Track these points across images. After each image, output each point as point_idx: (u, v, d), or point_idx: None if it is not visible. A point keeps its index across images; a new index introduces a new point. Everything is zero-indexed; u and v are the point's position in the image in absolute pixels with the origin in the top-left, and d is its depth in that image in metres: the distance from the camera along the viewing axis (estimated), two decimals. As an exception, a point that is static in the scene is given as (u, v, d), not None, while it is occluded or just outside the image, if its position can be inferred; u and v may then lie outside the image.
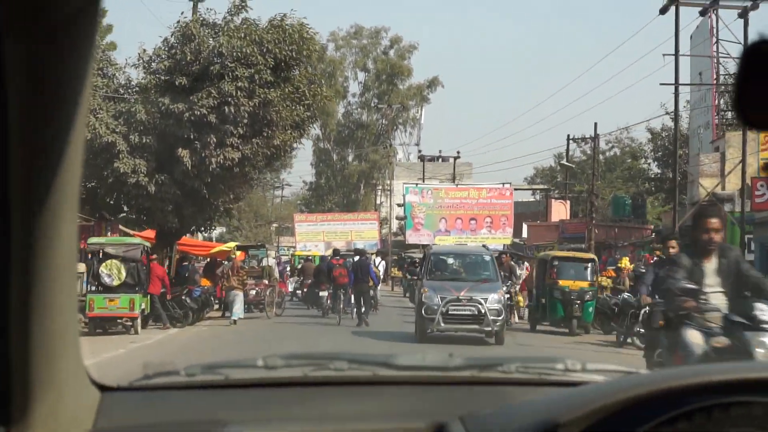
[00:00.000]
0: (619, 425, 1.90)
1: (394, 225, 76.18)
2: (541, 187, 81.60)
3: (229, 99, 28.21)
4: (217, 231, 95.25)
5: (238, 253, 37.34)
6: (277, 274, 39.04)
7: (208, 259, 39.18)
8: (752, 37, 1.30)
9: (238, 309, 30.82)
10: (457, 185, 64.45)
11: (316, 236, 72.29)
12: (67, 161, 1.78)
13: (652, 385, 1.97)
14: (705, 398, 1.92)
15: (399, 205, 75.74)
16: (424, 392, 2.71)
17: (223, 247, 38.94)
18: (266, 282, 35.20)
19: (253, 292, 34.36)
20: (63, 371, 2.14)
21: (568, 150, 70.63)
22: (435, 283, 24.42)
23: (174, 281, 30.83)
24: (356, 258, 32.45)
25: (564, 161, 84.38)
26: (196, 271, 32.71)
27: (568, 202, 65.61)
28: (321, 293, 34.14)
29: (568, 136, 70.19)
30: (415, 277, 38.90)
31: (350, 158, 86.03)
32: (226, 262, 33.90)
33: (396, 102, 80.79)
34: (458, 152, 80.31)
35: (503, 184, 64.25)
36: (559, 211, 63.19)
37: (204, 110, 28.00)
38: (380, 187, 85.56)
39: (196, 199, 30.47)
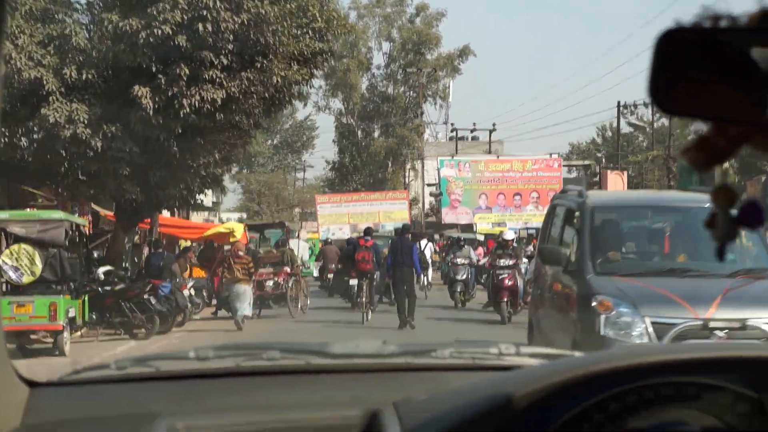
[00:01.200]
0: (553, 408, 1.86)
1: (427, 203, 66.71)
2: (580, 162, 72.49)
3: (205, 12, 19.03)
4: (235, 214, 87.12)
5: (239, 234, 28.31)
6: (301, 261, 30.95)
7: (202, 245, 30.13)
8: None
9: (242, 307, 22.97)
10: (498, 157, 55.02)
11: (341, 218, 63.52)
12: None
13: (586, 368, 1.93)
14: (636, 380, 1.89)
15: (429, 185, 66.60)
16: (358, 380, 2.67)
17: (220, 228, 29.76)
18: (288, 270, 26.67)
19: (271, 283, 26.35)
20: None
21: (619, 117, 61.10)
22: (627, 284, 10.35)
23: (142, 274, 21.90)
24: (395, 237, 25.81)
25: (608, 132, 75.10)
26: (173, 260, 23.59)
27: (625, 172, 56.15)
28: (351, 281, 27.29)
29: (618, 102, 60.69)
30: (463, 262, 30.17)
31: (376, 134, 76.63)
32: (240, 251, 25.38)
33: (420, 84, 71.44)
34: (494, 124, 70.96)
35: (550, 154, 54.86)
36: (616, 183, 53.77)
37: (169, 28, 18.86)
38: (409, 165, 76.21)
39: (162, 158, 21.20)
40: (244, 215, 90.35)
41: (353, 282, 26.52)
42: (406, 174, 75.99)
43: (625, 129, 76.41)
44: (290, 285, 26.53)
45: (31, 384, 2.45)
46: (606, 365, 1.92)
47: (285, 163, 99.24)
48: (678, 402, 1.91)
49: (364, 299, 23.98)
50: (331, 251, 35.32)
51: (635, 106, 62.53)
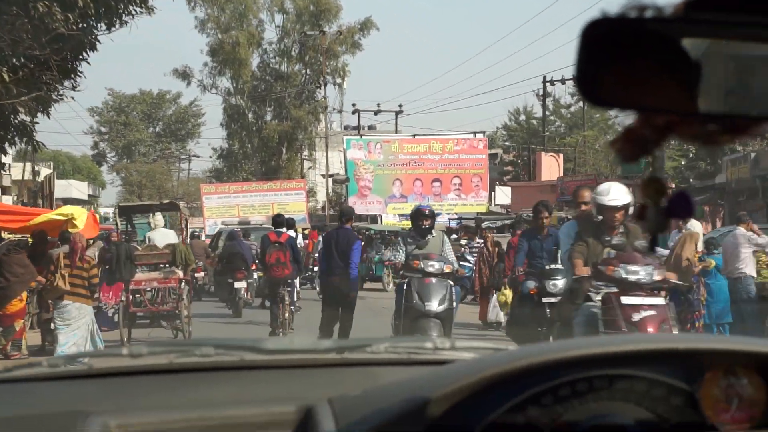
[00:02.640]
0: (487, 401, 1.86)
1: (330, 191, 57.49)
2: (493, 151, 64.34)
3: None
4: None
5: (81, 223, 18.93)
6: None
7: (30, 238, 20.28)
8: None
9: (67, 340, 14.19)
10: (414, 136, 46.10)
11: (229, 211, 54.60)
12: None
13: (519, 360, 1.91)
14: (570, 372, 1.89)
15: (328, 176, 57.47)
16: (292, 376, 2.61)
17: (52, 214, 19.90)
18: (180, 274, 18.48)
19: (151, 295, 18.24)
20: None
21: (545, 94, 52.81)
22: None
23: None
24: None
25: (521, 116, 67.12)
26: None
27: (561, 155, 47.82)
28: (236, 284, 22.65)
29: (545, 77, 52.57)
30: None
31: (268, 117, 67.07)
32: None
33: (322, 49, 61.93)
34: (400, 106, 62.01)
35: (474, 133, 46.21)
36: (551, 167, 45.44)
37: None
38: (306, 152, 66.86)
39: None
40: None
41: (239, 284, 22.29)
42: (303, 161, 66.60)
43: (539, 112, 68.56)
44: (184, 297, 18.09)
45: None
46: (538, 358, 1.89)
47: (168, 153, 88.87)
48: (611, 394, 1.91)
49: (280, 317, 17.42)
50: (198, 247, 27.09)
51: (551, 82, 54.33)
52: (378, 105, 61.74)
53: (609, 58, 1.23)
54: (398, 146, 44.89)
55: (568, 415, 1.89)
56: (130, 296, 17.70)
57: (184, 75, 66.13)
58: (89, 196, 77.01)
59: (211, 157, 76.41)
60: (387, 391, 2.09)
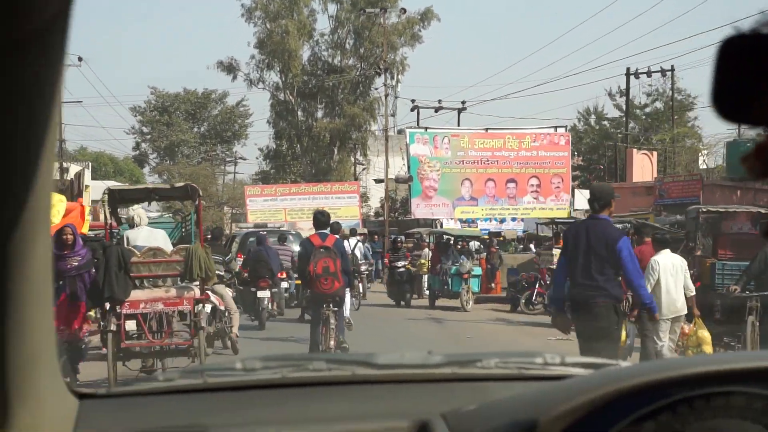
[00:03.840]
0: (602, 419, 1.85)
1: (392, 189, 51.31)
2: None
3: None
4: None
5: (58, 215, 13.32)
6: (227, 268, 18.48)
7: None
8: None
9: None
10: (486, 129, 39.82)
11: (276, 215, 49.60)
12: (39, 173, 1.64)
13: (634, 378, 1.90)
14: (686, 390, 1.87)
15: (377, 181, 51.51)
16: (404, 391, 2.57)
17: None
18: (196, 293, 12.88)
19: (157, 321, 12.84)
20: (40, 381, 2.01)
21: (628, 88, 46.38)
22: None
23: None
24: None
25: (592, 116, 60.85)
26: None
27: (655, 153, 41.30)
28: (260, 293, 20.07)
29: (628, 69, 46.10)
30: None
31: (319, 114, 61.12)
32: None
33: (378, 42, 55.72)
34: (463, 102, 55.74)
35: (555, 128, 39.93)
36: (643, 166, 38.96)
37: None
38: (360, 152, 60.71)
39: None
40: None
41: (262, 294, 19.93)
42: (356, 163, 60.48)
43: (612, 112, 62.10)
44: (203, 324, 12.73)
45: (81, 396, 2.39)
46: (656, 375, 1.90)
47: (213, 155, 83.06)
48: (728, 411, 1.89)
49: (323, 345, 13.57)
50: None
51: (636, 75, 47.75)
52: (439, 102, 55.49)
53: (743, 75, 1.22)
54: (468, 141, 38.68)
55: None
56: (124, 324, 12.00)
57: (230, 68, 60.45)
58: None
59: (257, 158, 70.55)
60: (501, 406, 2.09)
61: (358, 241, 29.97)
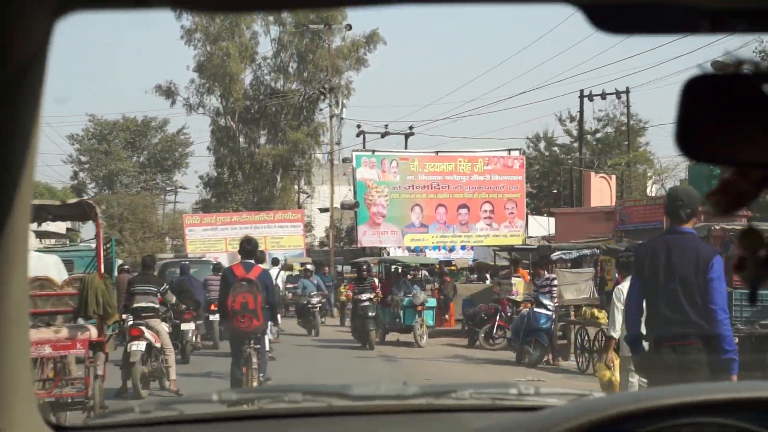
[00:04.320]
0: None
1: (337, 218, 48.91)
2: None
3: None
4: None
5: None
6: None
7: None
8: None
9: None
10: (437, 153, 37.54)
11: (216, 245, 47.33)
12: (17, 204, 1.66)
13: (607, 409, 1.91)
14: (658, 421, 1.88)
15: (322, 210, 49.18)
16: (379, 422, 2.57)
17: None
18: (93, 333, 10.54)
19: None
20: (15, 413, 1.95)
21: (582, 109, 44.40)
22: None
23: None
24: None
25: (541, 143, 59.17)
26: None
27: (613, 177, 39.26)
28: (183, 326, 17.79)
29: (581, 91, 44.10)
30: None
31: (262, 140, 58.57)
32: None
33: (323, 66, 53.34)
34: (411, 127, 53.42)
35: (509, 150, 37.83)
36: (601, 191, 36.90)
37: None
38: (304, 179, 58.21)
39: None
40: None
41: (186, 327, 17.76)
42: (300, 191, 57.97)
43: (561, 138, 60.22)
44: (98, 371, 10.43)
45: (57, 428, 2.36)
46: (628, 406, 1.90)
47: (153, 184, 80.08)
48: None
49: (254, 383, 11.89)
50: (124, 282, 19.58)
51: (590, 97, 45.82)
52: (386, 126, 53.12)
53: (707, 114, 1.23)
54: (418, 165, 36.37)
55: None
56: None
57: (168, 92, 57.80)
58: (68, 230, 68.14)
59: (197, 186, 67.71)
60: None
61: (281, 270, 28.58)
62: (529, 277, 26.64)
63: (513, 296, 23.17)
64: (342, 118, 47.07)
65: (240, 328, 11.81)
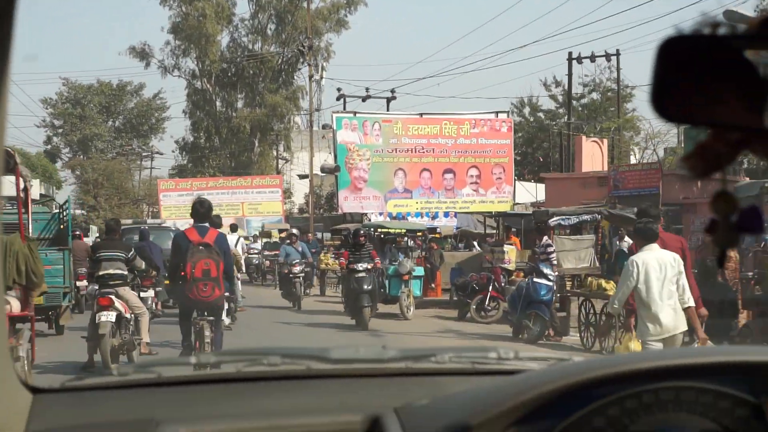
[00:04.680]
0: (555, 413, 1.85)
1: (317, 184, 47.07)
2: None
3: None
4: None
5: None
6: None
7: None
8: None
9: None
10: (421, 115, 35.71)
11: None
12: None
13: (584, 373, 1.90)
14: (636, 384, 1.88)
15: (301, 177, 47.41)
16: (358, 385, 2.57)
17: None
18: (16, 307, 9.13)
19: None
20: None
21: (570, 72, 42.61)
22: None
23: None
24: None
25: (526, 108, 57.48)
26: None
27: (605, 141, 37.52)
28: (142, 294, 15.16)
29: (570, 53, 42.26)
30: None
31: (239, 104, 56.52)
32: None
33: (302, 27, 51.30)
34: (392, 91, 51.50)
35: (496, 113, 36.08)
36: (593, 156, 35.17)
37: None
38: (283, 144, 56.30)
39: None
40: (78, 210, 69.17)
41: (145, 294, 15.30)
42: (278, 156, 56.06)
43: (545, 104, 58.56)
44: (19, 352, 8.62)
45: (34, 390, 2.35)
46: (606, 370, 1.90)
47: (129, 150, 77.78)
48: (677, 406, 1.91)
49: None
50: (79, 249, 18.92)
51: (579, 60, 44.00)
52: (367, 90, 51.15)
53: (683, 75, 1.23)
54: (401, 127, 34.53)
55: (635, 427, 1.88)
56: None
57: (143, 54, 55.68)
58: (41, 195, 65.99)
59: (173, 151, 65.58)
60: (453, 401, 2.06)
61: (240, 237, 26.40)
62: (520, 244, 25.06)
63: (505, 265, 21.50)
64: (322, 80, 45.16)
65: (201, 297, 10.59)
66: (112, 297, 12.48)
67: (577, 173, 34.24)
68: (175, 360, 2.86)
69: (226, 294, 11.51)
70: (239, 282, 20.57)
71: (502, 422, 1.81)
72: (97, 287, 13.19)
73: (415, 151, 34.47)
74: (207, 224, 10.98)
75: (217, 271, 10.59)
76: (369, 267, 18.83)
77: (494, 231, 27.35)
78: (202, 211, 10.94)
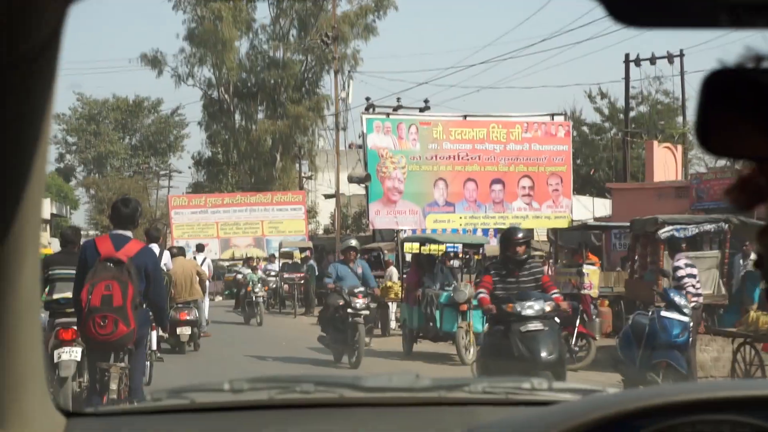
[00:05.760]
0: None
1: (344, 203, 41.84)
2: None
3: None
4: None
5: None
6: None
7: None
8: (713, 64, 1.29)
9: None
10: (465, 117, 30.45)
11: (206, 230, 39.91)
12: (28, 192, 1.61)
13: (620, 405, 1.89)
14: (672, 417, 1.86)
15: (327, 197, 42.41)
16: (391, 414, 2.51)
17: None
18: None
19: None
20: (28, 399, 1.96)
21: (627, 75, 37.29)
22: None
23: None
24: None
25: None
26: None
27: (679, 147, 32.13)
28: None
29: (627, 55, 37.00)
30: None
31: (260, 115, 51.41)
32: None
33: (325, 31, 46.21)
34: (426, 101, 46.22)
35: (552, 116, 30.92)
36: (666, 163, 29.82)
37: None
38: (306, 158, 51.12)
39: None
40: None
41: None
42: (301, 171, 50.85)
43: (591, 116, 53.62)
44: None
45: (68, 414, 2.31)
46: (641, 402, 1.88)
47: (145, 168, 72.93)
48: None
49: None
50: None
51: (637, 62, 38.61)
52: (398, 100, 45.85)
53: (727, 109, 1.23)
54: (442, 131, 29.18)
55: None
56: None
57: (155, 62, 50.64)
58: (52, 215, 61.17)
59: (189, 167, 60.49)
60: (488, 431, 2.03)
61: (206, 257, 22.98)
62: (600, 263, 19.92)
63: (586, 290, 16.29)
64: (348, 98, 39.96)
65: (97, 335, 7.72)
66: (76, 328, 9.46)
67: (650, 183, 28.90)
68: (208, 386, 2.37)
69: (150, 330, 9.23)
70: (206, 304, 18.75)
71: None
72: (48, 315, 10.43)
73: (458, 159, 29.12)
74: (130, 233, 8.08)
75: (123, 300, 7.69)
76: (547, 310, 10.19)
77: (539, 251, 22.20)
78: (125, 212, 8.13)
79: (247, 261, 26.31)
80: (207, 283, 18.75)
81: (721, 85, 1.23)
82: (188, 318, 16.21)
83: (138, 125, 75.27)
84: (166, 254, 15.56)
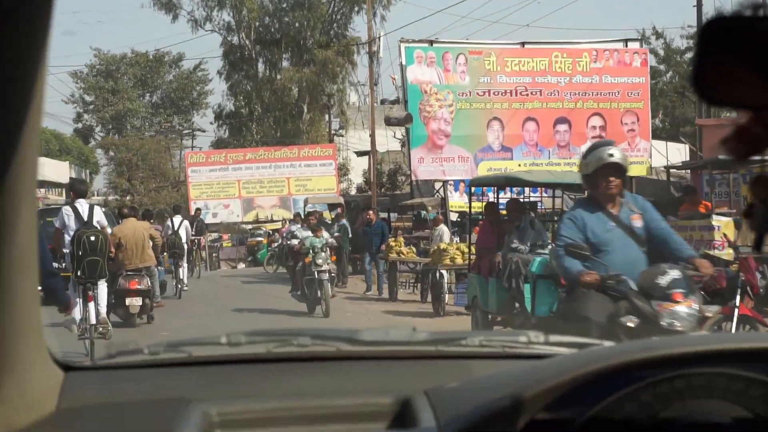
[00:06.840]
0: (586, 397, 1.84)
1: (385, 143, 36.80)
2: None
3: None
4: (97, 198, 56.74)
5: None
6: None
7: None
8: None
9: None
10: (523, 45, 25.46)
11: (227, 189, 37.68)
12: (23, 144, 1.60)
13: (617, 357, 1.87)
14: (668, 370, 1.86)
15: (358, 154, 37.77)
16: (388, 367, 2.49)
17: None
18: None
19: None
20: (25, 353, 1.97)
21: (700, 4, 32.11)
22: None
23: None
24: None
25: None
26: None
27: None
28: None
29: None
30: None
31: (285, 63, 46.58)
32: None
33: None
34: (467, 38, 41.09)
35: (625, 42, 25.79)
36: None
37: None
38: (336, 107, 46.22)
39: None
40: (111, 196, 60.20)
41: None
42: (331, 122, 45.97)
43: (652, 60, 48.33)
44: None
45: (66, 368, 2.32)
46: (639, 355, 1.85)
47: (167, 127, 68.30)
48: (709, 392, 1.87)
49: None
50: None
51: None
52: (434, 37, 40.79)
53: (724, 57, 1.22)
54: (496, 61, 24.34)
55: (666, 413, 1.85)
56: None
57: (169, 6, 45.86)
58: (71, 179, 56.61)
59: (212, 123, 55.78)
60: (484, 384, 2.04)
61: (183, 220, 22.48)
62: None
63: (717, 251, 11.49)
64: (380, 52, 34.97)
65: None
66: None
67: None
68: (205, 339, 2.34)
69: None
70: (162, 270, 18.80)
71: (534, 406, 1.77)
72: None
73: (516, 94, 24.29)
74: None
75: None
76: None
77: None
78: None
79: (307, 219, 20.40)
80: (160, 248, 17.89)
81: (719, 33, 1.20)
82: (139, 287, 15.47)
83: (159, 81, 70.61)
84: (98, 210, 13.61)
